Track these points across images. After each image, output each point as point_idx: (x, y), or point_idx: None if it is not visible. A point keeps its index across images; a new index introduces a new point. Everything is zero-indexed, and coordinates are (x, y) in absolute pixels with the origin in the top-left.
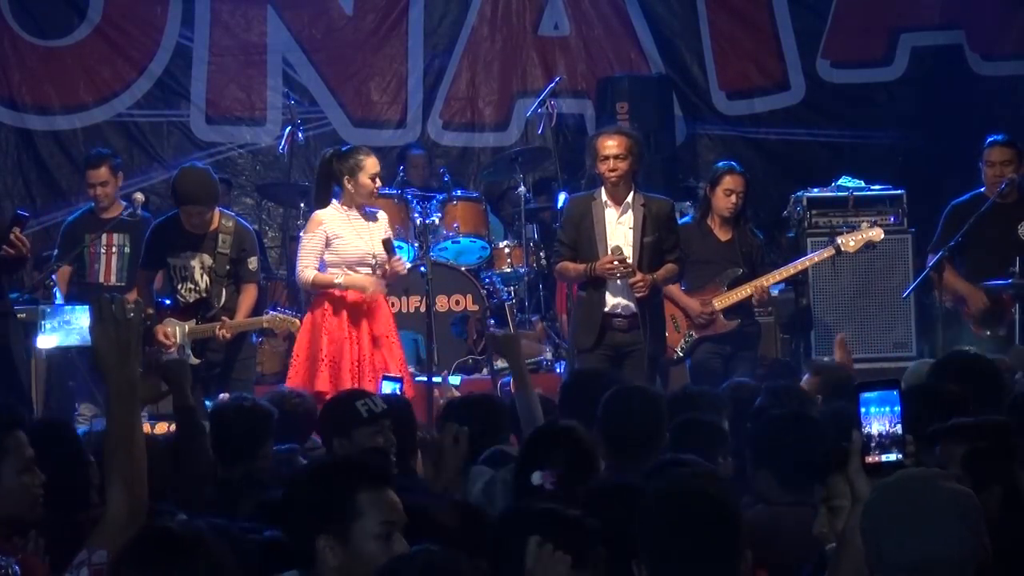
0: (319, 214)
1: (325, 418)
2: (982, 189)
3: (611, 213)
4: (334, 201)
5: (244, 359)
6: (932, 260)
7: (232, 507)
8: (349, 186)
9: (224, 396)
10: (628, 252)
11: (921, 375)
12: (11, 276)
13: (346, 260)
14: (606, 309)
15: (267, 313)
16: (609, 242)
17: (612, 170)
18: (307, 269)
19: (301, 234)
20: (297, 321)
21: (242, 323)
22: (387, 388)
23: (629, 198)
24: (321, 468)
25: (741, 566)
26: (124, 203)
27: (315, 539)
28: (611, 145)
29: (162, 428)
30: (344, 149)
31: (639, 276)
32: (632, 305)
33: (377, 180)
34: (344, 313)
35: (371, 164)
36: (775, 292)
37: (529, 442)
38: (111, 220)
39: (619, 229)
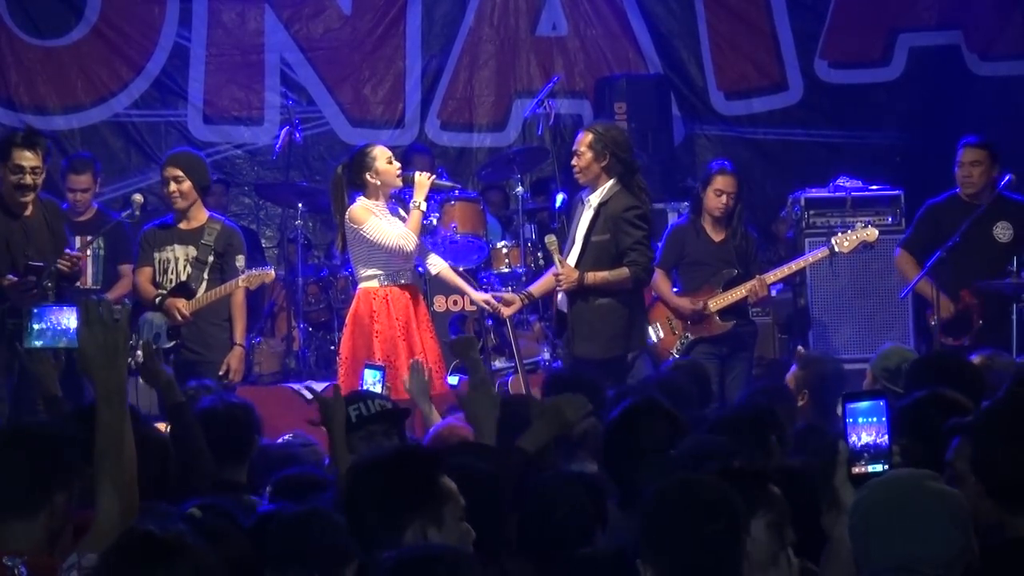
0: (358, 204)
1: None
2: (957, 190)
3: (586, 210)
4: (359, 197)
5: (217, 361)
6: (929, 261)
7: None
8: (374, 180)
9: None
10: (578, 247)
11: (890, 359)
12: (72, 282)
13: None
14: (559, 307)
15: (244, 273)
16: (577, 237)
17: (573, 165)
18: (401, 238)
19: (358, 228)
20: (271, 272)
21: (221, 289)
22: (369, 378)
23: (596, 194)
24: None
25: (744, 565)
26: (96, 205)
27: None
28: (576, 142)
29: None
30: (350, 156)
31: (564, 267)
32: (562, 305)
33: (394, 161)
34: (392, 311)
35: (381, 151)
36: (773, 292)
37: None
38: (85, 223)
39: (582, 226)
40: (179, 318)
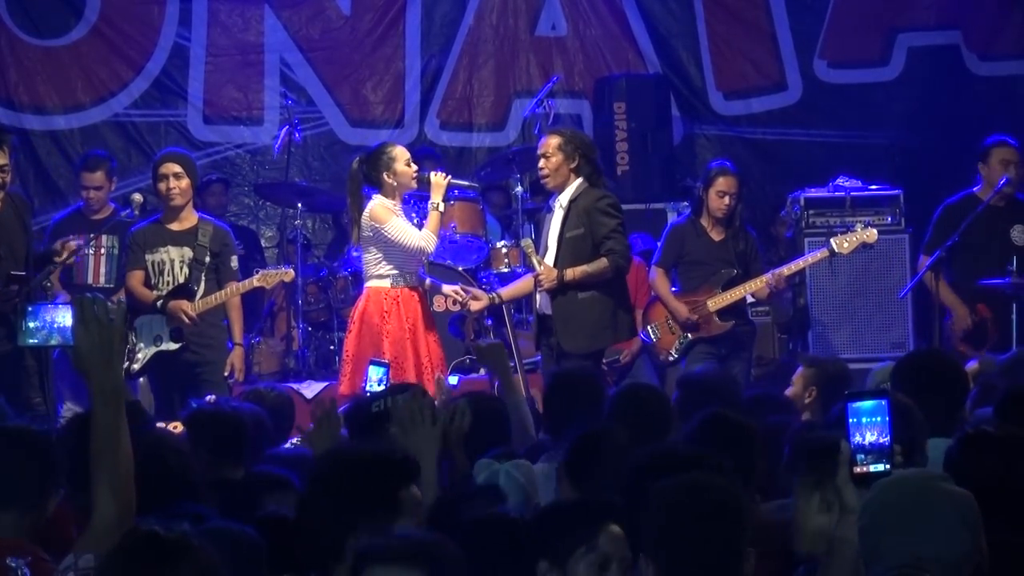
0: (379, 203)
1: (350, 417)
2: (974, 189)
3: (557, 211)
4: (376, 195)
5: (218, 361)
6: (929, 261)
7: (243, 508)
8: (391, 180)
9: (211, 398)
10: (554, 248)
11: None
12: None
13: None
14: (539, 310)
15: (257, 273)
16: (550, 239)
17: (540, 168)
18: (423, 239)
19: (381, 227)
20: (290, 271)
21: (240, 286)
22: (373, 374)
23: (564, 194)
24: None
25: (745, 564)
26: (113, 204)
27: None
28: (540, 146)
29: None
30: (368, 151)
31: (543, 268)
32: (544, 306)
33: (412, 164)
34: (403, 313)
35: (400, 152)
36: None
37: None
38: (101, 221)
39: (555, 226)
40: (186, 320)
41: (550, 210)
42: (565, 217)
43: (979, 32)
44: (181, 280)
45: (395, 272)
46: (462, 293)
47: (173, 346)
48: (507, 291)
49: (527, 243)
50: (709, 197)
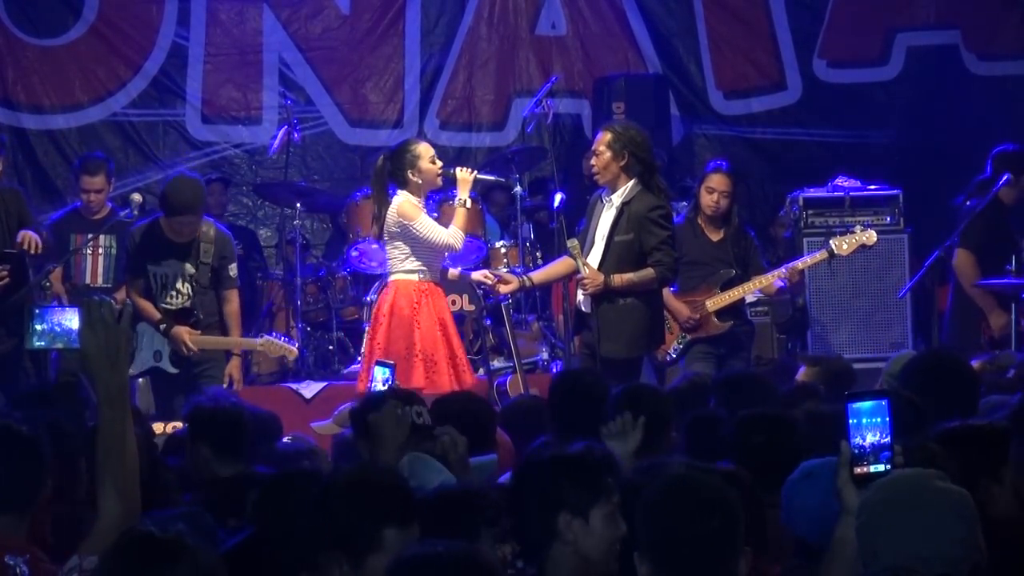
0: (406, 199)
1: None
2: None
3: (608, 209)
4: (401, 191)
5: (217, 359)
6: (927, 261)
7: (231, 505)
8: (415, 178)
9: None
10: (600, 247)
11: (895, 365)
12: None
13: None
14: (578, 306)
15: (262, 337)
16: (597, 237)
17: (592, 166)
18: (451, 236)
19: (410, 224)
20: (294, 349)
21: (240, 342)
22: (379, 375)
23: (617, 194)
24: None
25: (741, 562)
26: (110, 204)
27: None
28: (595, 141)
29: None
30: (392, 148)
31: (589, 271)
32: (584, 304)
33: (437, 160)
34: (431, 305)
35: (425, 149)
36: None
37: None
38: (99, 221)
39: (604, 225)
40: (186, 352)
41: (601, 200)
42: (616, 219)
43: (978, 32)
44: (184, 292)
45: (423, 268)
46: (491, 277)
47: (172, 370)
48: (539, 275)
49: (573, 244)
50: (700, 194)
